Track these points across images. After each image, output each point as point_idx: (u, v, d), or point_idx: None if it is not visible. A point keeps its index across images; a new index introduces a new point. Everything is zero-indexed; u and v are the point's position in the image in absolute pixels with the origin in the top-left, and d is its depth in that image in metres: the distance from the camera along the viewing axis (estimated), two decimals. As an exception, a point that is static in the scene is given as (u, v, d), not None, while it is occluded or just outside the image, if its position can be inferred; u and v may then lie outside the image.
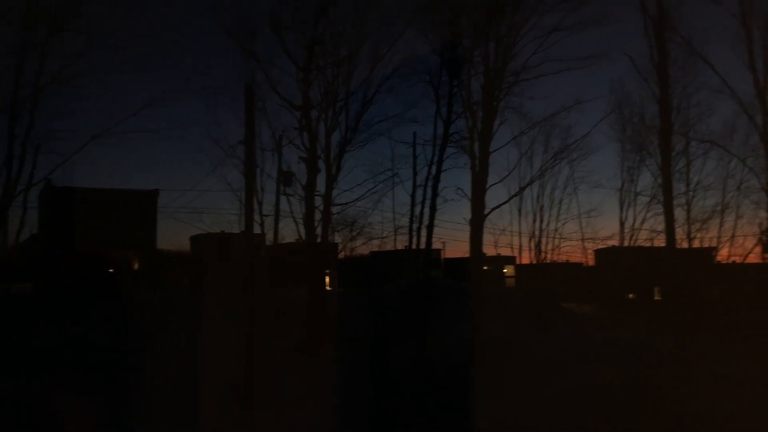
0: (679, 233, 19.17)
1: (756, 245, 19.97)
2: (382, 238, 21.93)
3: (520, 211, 24.98)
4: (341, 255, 21.91)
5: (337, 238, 22.00)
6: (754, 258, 20.20)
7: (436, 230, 18.81)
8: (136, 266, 26.20)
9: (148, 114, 24.26)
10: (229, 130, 24.16)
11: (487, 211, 18.66)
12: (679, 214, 19.26)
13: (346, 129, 19.27)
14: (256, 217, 18.21)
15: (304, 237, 19.33)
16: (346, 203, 19.93)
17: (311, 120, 18.98)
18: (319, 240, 19.20)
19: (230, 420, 11.02)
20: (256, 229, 17.80)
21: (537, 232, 24.84)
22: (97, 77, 18.08)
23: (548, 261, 25.57)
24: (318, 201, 19.00)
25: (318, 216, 18.98)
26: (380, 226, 22.18)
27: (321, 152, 19.06)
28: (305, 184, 18.97)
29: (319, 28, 18.80)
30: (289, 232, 22.54)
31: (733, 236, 21.04)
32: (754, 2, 18.01)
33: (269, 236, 22.02)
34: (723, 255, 21.95)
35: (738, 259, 21.15)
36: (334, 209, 19.56)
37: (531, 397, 12.11)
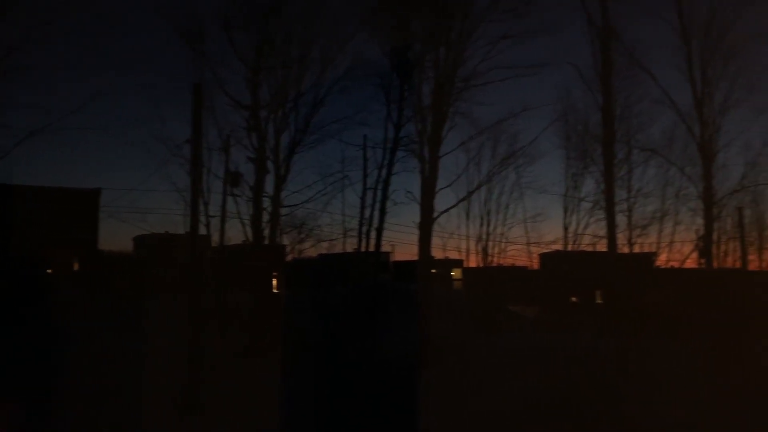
0: (621, 238, 19.77)
1: (693, 251, 20.75)
2: (332, 240, 21.83)
3: (468, 215, 25.35)
4: (289, 257, 21.71)
5: (285, 240, 21.80)
6: (691, 263, 20.97)
7: (385, 233, 18.85)
8: (76, 267, 25.37)
9: (90, 110, 23.62)
10: (175, 129, 23.73)
11: (436, 214, 18.83)
12: (620, 219, 19.87)
13: (296, 130, 19.16)
14: (202, 218, 17.91)
15: (251, 239, 19.09)
16: (295, 205, 19.78)
17: (260, 120, 18.78)
18: (266, 242, 18.99)
19: (174, 426, 10.75)
20: (202, 231, 17.51)
21: (484, 236, 25.21)
22: (35, 72, 17.51)
23: (495, 264, 25.97)
24: (266, 202, 18.82)
25: (266, 217, 18.80)
26: (329, 228, 22.03)
27: (270, 153, 18.90)
28: (253, 185, 18.76)
29: (269, 28, 18.64)
30: (236, 233, 22.24)
31: (671, 242, 21.81)
32: (693, 17, 18.75)
33: (215, 238, 21.65)
34: (662, 260, 22.72)
35: (676, 264, 21.92)
36: (283, 211, 19.42)
37: (478, 398, 12.24)
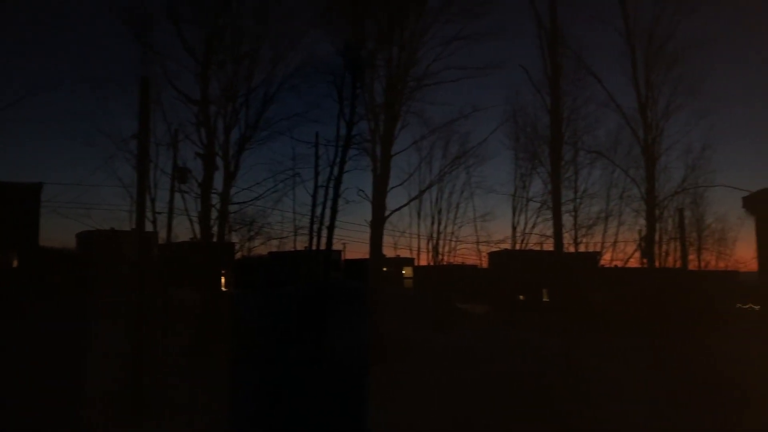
0: (567, 238, 20.23)
1: (635, 250, 21.36)
2: (282, 238, 21.62)
3: (419, 213, 25.49)
4: (238, 255, 21.41)
5: (234, 238, 21.49)
6: (633, 262, 21.59)
7: (336, 231, 18.74)
8: (15, 264, 24.48)
9: (32, 103, 22.80)
10: (121, 123, 23.11)
11: (387, 213, 18.89)
12: (566, 219, 20.33)
13: (246, 126, 18.87)
14: (149, 215, 17.47)
15: (199, 236, 18.75)
16: (244, 202, 19.49)
17: (209, 116, 18.44)
18: (214, 239, 18.69)
19: (118, 427, 10.50)
20: (149, 227, 17.08)
21: (435, 235, 25.39)
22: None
23: (445, 263, 26.20)
24: (215, 199, 18.49)
25: (214, 214, 18.48)
26: (280, 226, 21.88)
27: (219, 149, 18.56)
28: (201, 181, 18.39)
29: (219, 22, 18.31)
30: (184, 230, 21.86)
31: (615, 242, 22.40)
32: (638, 23, 19.29)
33: (162, 235, 21.19)
34: (606, 259, 23.32)
35: (619, 263, 22.53)
36: (232, 208, 19.09)
37: (426, 394, 12.35)
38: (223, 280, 21.36)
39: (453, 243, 26.24)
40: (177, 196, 19.62)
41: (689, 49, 19.52)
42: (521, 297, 26.33)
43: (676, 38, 19.44)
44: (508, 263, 26.35)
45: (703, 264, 23.28)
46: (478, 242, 26.46)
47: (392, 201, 19.99)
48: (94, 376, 11.93)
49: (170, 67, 18.26)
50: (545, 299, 24.63)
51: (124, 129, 21.88)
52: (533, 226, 23.02)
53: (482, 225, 28.70)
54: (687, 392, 11.75)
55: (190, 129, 18.59)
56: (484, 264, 29.21)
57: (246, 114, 18.87)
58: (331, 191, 18.88)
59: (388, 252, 25.93)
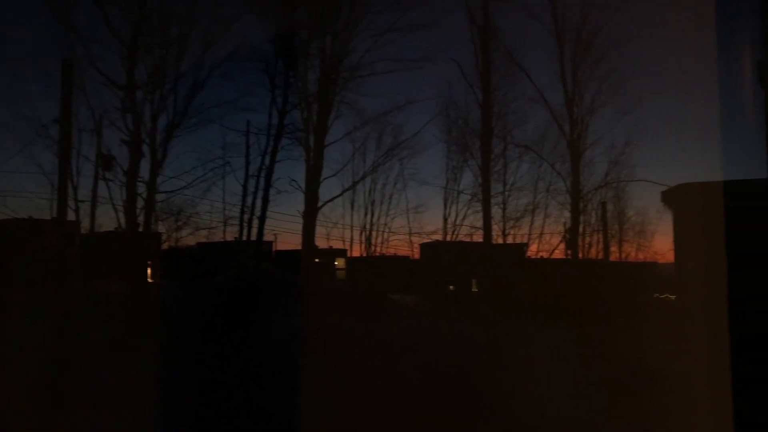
0: (495, 230, 20.69)
1: (560, 242, 22.05)
2: (211, 228, 21.20)
3: (352, 204, 25.44)
4: (165, 245, 20.86)
5: (161, 228, 20.94)
6: (558, 254, 22.29)
7: (268, 222, 18.51)
8: None
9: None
10: (41, 107, 22.04)
11: (320, 203, 18.82)
12: (495, 211, 20.77)
13: (174, 113, 18.37)
14: (71, 203, 16.79)
15: (124, 225, 18.18)
16: (172, 191, 18.99)
17: (136, 101, 17.85)
18: (141, 229, 18.16)
19: (38, 422, 10.11)
20: (71, 216, 16.44)
21: (368, 226, 25.44)
22: None
23: (377, 254, 26.31)
24: (141, 188, 17.97)
25: (141, 203, 17.96)
26: (209, 216, 21.39)
27: (146, 136, 18.01)
28: (127, 169, 17.81)
29: (146, 4, 17.73)
30: (108, 220, 21.03)
31: (541, 233, 23.01)
32: (566, 20, 19.86)
33: (85, 224, 20.41)
34: (533, 250, 23.94)
35: (545, 255, 23.19)
36: (159, 197, 18.59)
37: (356, 384, 12.44)
38: (150, 271, 20.78)
39: (386, 234, 26.38)
40: (101, 184, 18.97)
41: (614, 47, 20.22)
42: (451, 288, 26.73)
43: (603, 37, 20.11)
44: (439, 254, 26.70)
45: (624, 255, 24.26)
46: (410, 233, 26.66)
47: (325, 192, 19.97)
48: (12, 370, 11.43)
49: (94, 50, 17.56)
50: (475, 290, 25.11)
51: (45, 114, 20.90)
52: (464, 218, 23.38)
53: (415, 216, 28.90)
54: (606, 377, 12.31)
55: (116, 115, 17.95)
56: (416, 255, 29.50)
57: (174, 100, 18.40)
58: (262, 181, 18.65)
59: (320, 243, 25.81)
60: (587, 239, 21.99)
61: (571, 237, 20.63)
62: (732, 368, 2.16)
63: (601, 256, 22.17)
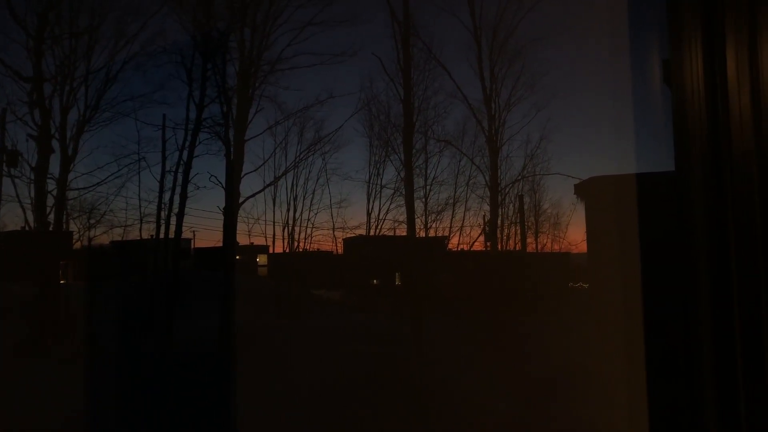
0: (418, 223, 20.97)
1: (480, 235, 22.59)
2: (127, 226, 20.49)
3: (274, 200, 25.13)
4: (78, 245, 20.00)
5: (73, 226, 20.08)
6: (478, 246, 22.83)
7: (187, 219, 18.12)
8: None
9: None
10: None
11: (241, 200, 18.52)
12: (418, 205, 21.05)
13: (86, 107, 17.69)
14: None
15: (33, 224, 17.33)
16: (84, 188, 18.30)
17: (44, 95, 17.04)
18: (51, 228, 17.35)
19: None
20: (-28, 215, 15.50)
21: (290, 222, 25.23)
22: None
23: (301, 250, 26.15)
24: (51, 185, 17.18)
25: (51, 201, 17.17)
26: (124, 213, 20.65)
27: (55, 131, 17.24)
28: (35, 165, 16.99)
29: (54, -7, 16.93)
30: (15, 218, 19.98)
31: (461, 226, 23.49)
32: (484, 18, 20.31)
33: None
34: (453, 243, 24.39)
35: (465, 247, 23.69)
36: (70, 194, 17.85)
37: (279, 379, 12.40)
38: (61, 271, 19.91)
39: (309, 229, 26.23)
40: (6, 181, 18.00)
41: (530, 44, 20.82)
42: (375, 281, 26.89)
43: (518, 34, 20.67)
44: (363, 249, 26.80)
45: (540, 247, 25.07)
46: (333, 228, 26.62)
47: (246, 187, 19.68)
48: None
49: (-2, 40, 16.64)
50: (397, 283, 25.36)
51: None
52: (387, 212, 23.57)
53: (338, 211, 28.83)
54: (525, 364, 12.77)
55: (22, 109, 17.12)
56: (340, 250, 29.48)
57: (86, 94, 17.72)
58: (180, 177, 18.27)
59: (242, 240, 25.41)
60: (506, 231, 22.62)
61: (491, 229, 21.14)
62: (642, 353, 2.29)
63: (518, 247, 22.85)
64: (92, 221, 20.29)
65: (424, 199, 22.04)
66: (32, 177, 16.99)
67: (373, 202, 24.83)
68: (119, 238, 22.06)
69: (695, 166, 1.52)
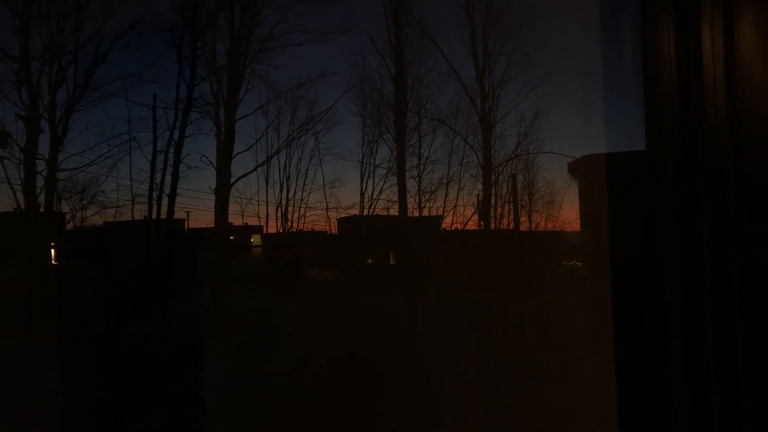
0: (411, 203, 20.94)
1: (474, 214, 22.58)
2: (118, 207, 20.42)
3: (267, 180, 25.02)
4: (69, 226, 19.94)
5: (65, 207, 20.01)
6: (472, 225, 22.83)
7: (179, 199, 18.07)
8: None
9: None
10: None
11: (233, 179, 18.44)
12: (411, 185, 20.99)
13: (75, 86, 17.52)
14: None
15: (23, 206, 17.25)
16: (75, 168, 18.20)
17: (31, 74, 16.85)
18: (42, 209, 17.27)
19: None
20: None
21: (284, 202, 25.18)
22: None
23: (294, 230, 26.13)
24: (41, 166, 17.08)
25: (41, 182, 17.08)
26: (116, 194, 20.57)
27: (44, 111, 17.08)
28: (24, 146, 16.86)
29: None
30: (5, 200, 19.88)
31: (455, 206, 23.46)
32: (476, -5, 20.09)
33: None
34: (447, 222, 24.38)
35: (459, 226, 23.68)
36: (61, 175, 17.75)
37: (271, 361, 12.45)
38: (54, 253, 19.86)
39: (302, 209, 26.18)
40: (-5, 162, 17.85)
41: (523, 22, 20.62)
42: (369, 261, 26.92)
43: (511, 11, 20.46)
44: (357, 229, 26.79)
45: (533, 225, 25.07)
46: (327, 208, 26.56)
47: (239, 167, 19.59)
48: None
49: (-19, 19, 16.41)
50: (392, 262, 25.38)
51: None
52: (380, 192, 23.49)
53: (331, 191, 28.80)
54: (520, 345, 12.84)
55: (9, 88, 16.94)
56: (334, 230, 29.46)
57: (74, 73, 17.53)
58: (171, 157, 18.16)
59: (235, 220, 25.34)
60: (499, 210, 22.61)
61: (484, 208, 21.14)
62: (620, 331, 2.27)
63: (512, 226, 22.85)
64: (84, 202, 20.24)
65: (417, 179, 21.98)
66: (21, 158, 16.88)
67: (367, 182, 24.74)
68: (111, 219, 22.02)
69: (666, 143, 1.48)
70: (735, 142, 1.38)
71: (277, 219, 26.64)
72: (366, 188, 25.12)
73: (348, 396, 10.64)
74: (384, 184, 23.41)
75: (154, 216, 18.10)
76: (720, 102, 1.42)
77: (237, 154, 18.47)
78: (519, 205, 22.95)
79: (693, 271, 1.43)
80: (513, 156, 22.24)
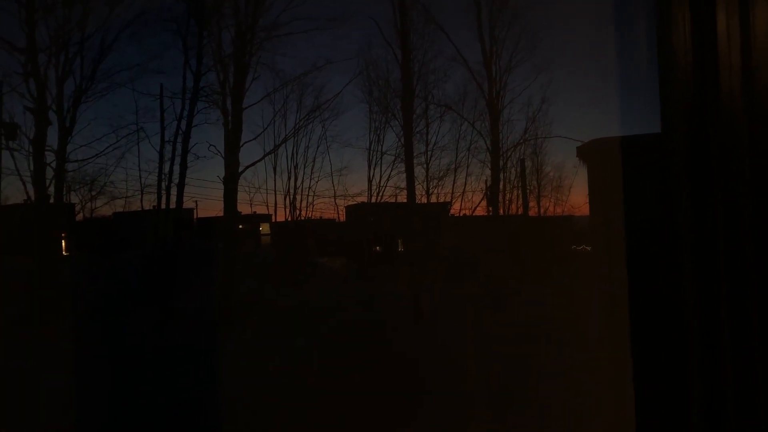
0: (419, 190, 20.91)
1: (482, 200, 22.53)
2: (127, 197, 20.49)
3: (275, 168, 25.01)
4: (79, 217, 20.04)
5: (74, 198, 20.10)
6: (480, 211, 22.79)
7: (188, 189, 18.09)
8: None
9: None
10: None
11: (241, 168, 18.47)
12: (419, 171, 20.95)
13: (81, 77, 17.53)
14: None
15: (33, 197, 17.35)
16: (83, 159, 18.26)
17: (38, 66, 16.88)
18: (51, 200, 17.38)
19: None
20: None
21: (292, 190, 25.19)
22: None
23: (303, 218, 26.16)
24: (50, 157, 17.16)
25: (50, 174, 17.16)
26: (125, 184, 20.62)
27: (52, 102, 17.14)
28: (33, 138, 16.94)
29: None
30: (15, 192, 20.02)
31: (463, 192, 23.40)
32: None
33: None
34: (455, 209, 24.33)
35: (467, 212, 23.65)
36: (70, 166, 17.82)
37: (279, 349, 12.52)
38: (63, 243, 19.99)
39: (310, 198, 26.18)
40: (5, 154, 17.96)
41: (529, 6, 20.45)
42: (377, 249, 26.94)
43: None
44: (365, 216, 26.78)
45: (542, 210, 25.00)
46: (335, 196, 26.54)
47: (246, 156, 19.61)
48: None
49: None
50: (400, 249, 25.39)
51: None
52: (388, 179, 23.44)
53: (339, 179, 28.74)
54: (526, 332, 12.85)
55: (17, 80, 16.99)
56: (342, 218, 29.47)
57: (81, 64, 17.54)
58: (179, 147, 18.17)
59: (244, 209, 25.40)
60: (507, 196, 22.55)
61: (492, 194, 21.08)
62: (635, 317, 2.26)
63: (520, 211, 22.80)
64: (93, 193, 20.31)
65: (425, 165, 21.92)
66: (30, 150, 16.96)
67: (374, 169, 24.68)
68: (121, 209, 22.11)
69: (681, 126, 1.46)
70: (750, 125, 1.37)
71: (285, 207, 26.72)
72: (373, 175, 25.11)
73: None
74: (392, 171, 23.40)
75: (163, 206, 18.16)
76: (735, 84, 1.40)
77: (245, 143, 18.52)
78: (528, 190, 22.92)
79: (708, 255, 1.42)
80: (521, 141, 22.17)
